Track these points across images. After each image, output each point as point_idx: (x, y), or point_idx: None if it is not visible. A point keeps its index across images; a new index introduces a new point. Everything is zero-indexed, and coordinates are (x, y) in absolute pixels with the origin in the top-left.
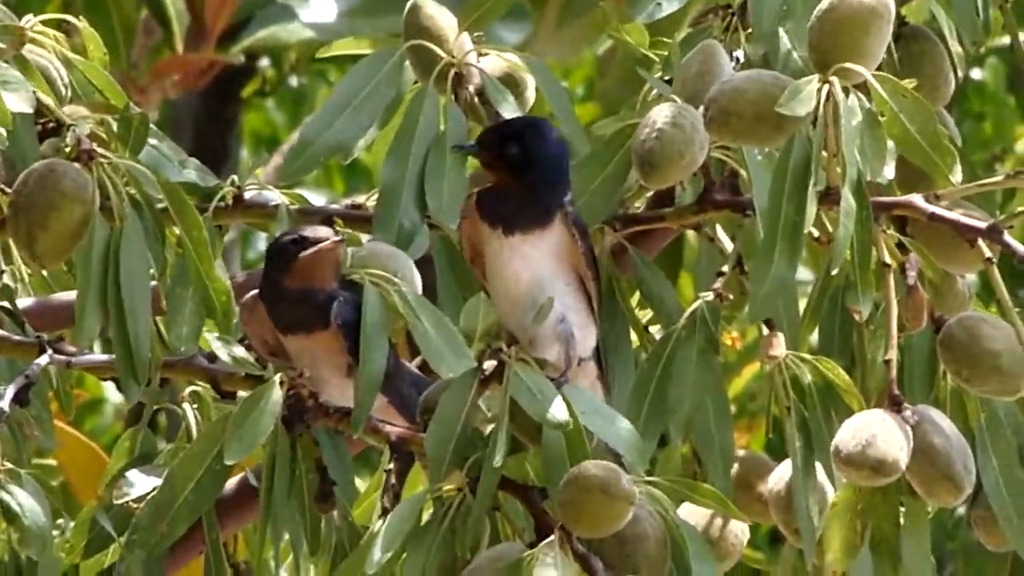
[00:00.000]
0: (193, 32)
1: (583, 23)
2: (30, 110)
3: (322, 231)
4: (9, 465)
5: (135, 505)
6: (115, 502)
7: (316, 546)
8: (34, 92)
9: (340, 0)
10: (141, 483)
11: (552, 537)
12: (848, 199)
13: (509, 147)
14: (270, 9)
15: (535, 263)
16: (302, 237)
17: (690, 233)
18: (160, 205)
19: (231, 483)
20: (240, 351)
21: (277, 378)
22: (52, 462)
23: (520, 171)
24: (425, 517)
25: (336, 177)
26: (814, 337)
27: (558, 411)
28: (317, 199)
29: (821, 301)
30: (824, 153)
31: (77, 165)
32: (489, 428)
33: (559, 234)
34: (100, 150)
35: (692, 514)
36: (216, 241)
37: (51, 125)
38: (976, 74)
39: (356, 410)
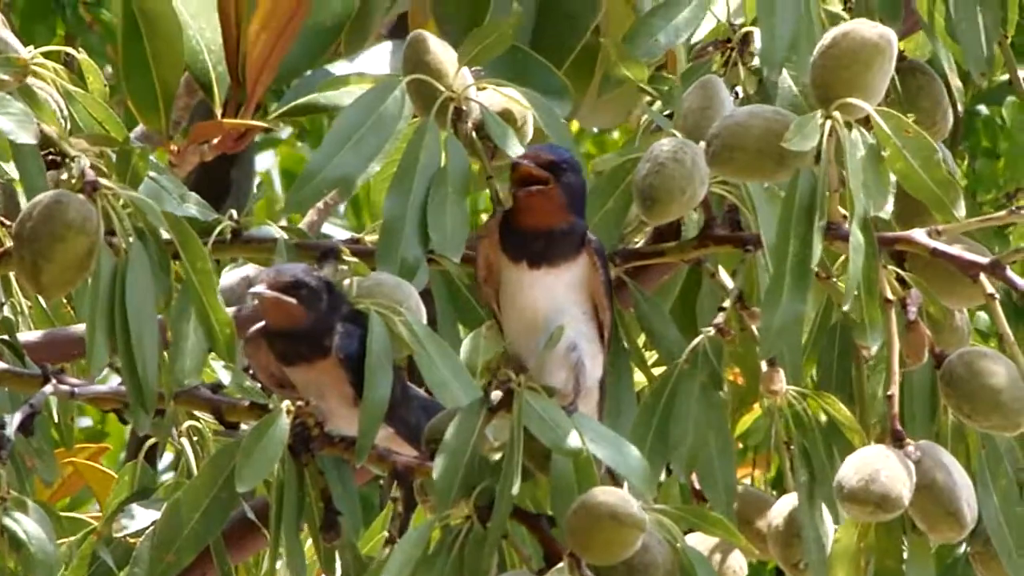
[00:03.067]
0: (233, 97)
1: (620, 93)
2: (35, 141)
3: (264, 275)
4: (14, 494)
5: (132, 540)
6: (115, 535)
7: None
8: (39, 124)
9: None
10: (141, 516)
11: (561, 564)
12: (857, 235)
13: (566, 174)
14: (310, 75)
15: (555, 292)
16: (251, 285)
17: None
18: (163, 237)
19: None
20: (245, 380)
21: (284, 406)
22: None
23: (566, 202)
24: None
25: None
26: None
27: (571, 439)
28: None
29: (820, 336)
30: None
31: (82, 196)
32: (495, 456)
33: (583, 265)
34: (104, 181)
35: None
36: (215, 275)
37: (49, 157)
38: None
39: (360, 439)
